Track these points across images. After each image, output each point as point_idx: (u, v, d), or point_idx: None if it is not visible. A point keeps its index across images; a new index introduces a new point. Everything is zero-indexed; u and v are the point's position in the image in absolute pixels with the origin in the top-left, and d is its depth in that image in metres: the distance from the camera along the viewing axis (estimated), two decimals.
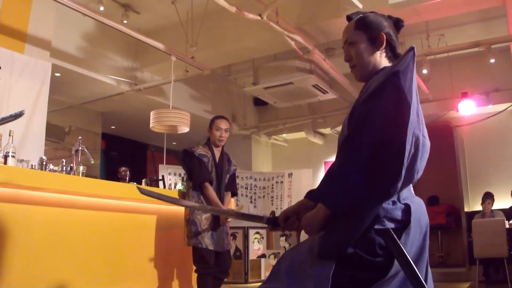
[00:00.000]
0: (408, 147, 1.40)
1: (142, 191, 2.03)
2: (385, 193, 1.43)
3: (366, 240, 1.45)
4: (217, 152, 4.17)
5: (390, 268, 1.45)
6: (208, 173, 4.03)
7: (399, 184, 1.41)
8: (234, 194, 4.34)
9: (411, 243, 1.50)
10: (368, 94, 1.51)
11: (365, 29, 1.68)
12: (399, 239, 1.45)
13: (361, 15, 1.73)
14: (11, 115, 2.82)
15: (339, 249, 1.46)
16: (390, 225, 1.47)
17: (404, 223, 1.48)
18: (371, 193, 1.42)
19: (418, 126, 1.45)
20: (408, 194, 1.56)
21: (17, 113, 2.79)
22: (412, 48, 1.48)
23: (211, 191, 3.99)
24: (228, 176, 4.22)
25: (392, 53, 1.69)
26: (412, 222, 1.49)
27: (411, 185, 1.60)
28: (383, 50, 1.68)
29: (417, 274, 1.44)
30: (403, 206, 1.50)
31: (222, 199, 4.07)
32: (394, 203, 1.50)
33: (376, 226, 1.46)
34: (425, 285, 1.43)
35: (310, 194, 1.68)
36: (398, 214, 1.48)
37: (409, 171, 1.45)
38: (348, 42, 1.72)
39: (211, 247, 3.91)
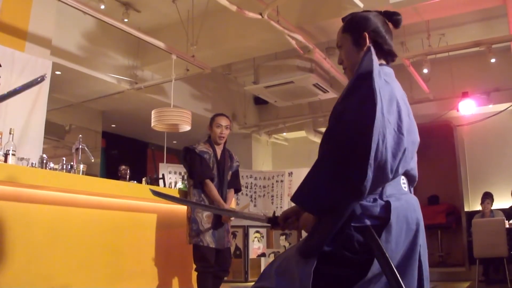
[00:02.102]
0: (374, 146, 1.40)
1: (155, 193, 2.03)
2: (354, 193, 1.44)
3: (344, 237, 1.47)
4: (218, 149, 4.16)
5: (371, 265, 1.44)
6: (209, 170, 4.02)
7: (367, 183, 1.41)
8: (238, 190, 4.34)
9: (396, 241, 1.48)
10: (341, 94, 1.56)
11: (349, 31, 1.74)
12: (379, 237, 1.45)
13: (349, 16, 1.78)
14: (36, 79, 2.76)
15: (316, 247, 1.49)
16: (369, 222, 1.47)
17: (384, 220, 1.47)
18: (339, 194, 1.45)
19: (383, 124, 1.44)
20: (395, 191, 1.55)
21: (40, 77, 2.74)
22: (368, 49, 1.53)
23: (212, 188, 3.97)
24: (230, 173, 4.20)
25: (378, 50, 1.69)
26: (394, 219, 1.47)
27: (401, 182, 1.59)
28: None
29: (394, 271, 1.41)
30: (383, 203, 1.50)
31: (224, 196, 4.06)
32: (374, 200, 1.50)
33: (354, 224, 1.47)
34: (401, 283, 1.40)
35: None
36: (377, 211, 1.48)
37: (381, 170, 1.44)
38: (338, 45, 1.79)
39: (212, 245, 3.90)
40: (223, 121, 4.14)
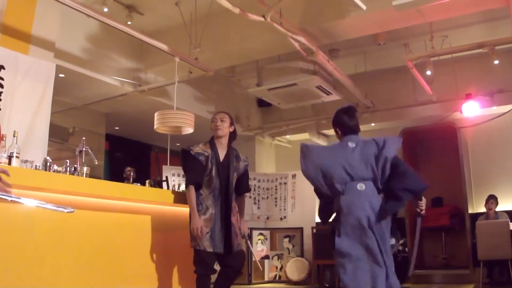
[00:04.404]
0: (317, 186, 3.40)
1: None
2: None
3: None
4: (221, 150, 4.05)
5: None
6: (197, 175, 3.91)
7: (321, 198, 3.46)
8: (246, 191, 4.30)
9: (346, 216, 3.15)
10: None
11: None
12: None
13: None
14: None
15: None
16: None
17: (341, 207, 3.25)
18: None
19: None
20: (348, 193, 3.20)
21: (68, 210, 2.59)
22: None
23: (192, 194, 3.87)
24: (235, 174, 4.07)
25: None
26: (344, 205, 3.18)
27: (354, 187, 3.19)
28: None
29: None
30: (339, 199, 3.31)
31: (230, 201, 3.97)
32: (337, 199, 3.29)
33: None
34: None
35: None
36: (339, 204, 3.27)
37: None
38: None
39: (209, 249, 3.81)
40: (218, 115, 4.15)
